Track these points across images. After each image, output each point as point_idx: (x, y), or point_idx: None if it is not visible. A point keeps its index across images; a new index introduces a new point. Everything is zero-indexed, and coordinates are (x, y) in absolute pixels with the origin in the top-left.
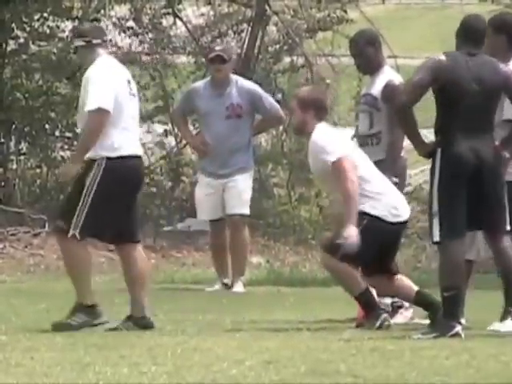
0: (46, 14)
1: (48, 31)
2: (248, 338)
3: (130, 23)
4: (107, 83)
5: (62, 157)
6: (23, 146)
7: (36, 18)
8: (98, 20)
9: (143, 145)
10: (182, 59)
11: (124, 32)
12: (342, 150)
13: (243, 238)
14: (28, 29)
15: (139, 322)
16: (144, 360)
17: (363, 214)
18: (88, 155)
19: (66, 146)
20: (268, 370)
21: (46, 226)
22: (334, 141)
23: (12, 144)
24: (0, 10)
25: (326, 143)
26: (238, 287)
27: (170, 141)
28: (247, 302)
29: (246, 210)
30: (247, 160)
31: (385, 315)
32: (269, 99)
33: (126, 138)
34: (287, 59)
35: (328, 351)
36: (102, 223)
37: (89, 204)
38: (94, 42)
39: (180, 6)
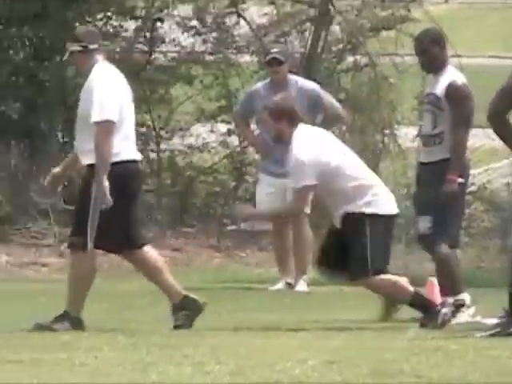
0: (109, 14)
1: (111, 30)
2: (311, 337)
3: (194, 22)
4: (111, 93)
5: None
6: None
7: (99, 17)
8: (161, 19)
9: (207, 144)
10: (246, 58)
11: (187, 31)
12: (311, 175)
13: (305, 236)
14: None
15: (185, 303)
16: (207, 359)
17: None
18: (89, 161)
19: None
20: (331, 369)
21: None
22: (310, 161)
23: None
24: (63, 10)
25: (301, 164)
26: (301, 286)
27: (234, 140)
28: (310, 302)
29: (307, 209)
30: None
31: (444, 310)
32: (329, 98)
33: (126, 143)
34: (350, 58)
35: (391, 351)
36: (113, 231)
37: (97, 216)
38: (91, 47)
39: (243, 6)
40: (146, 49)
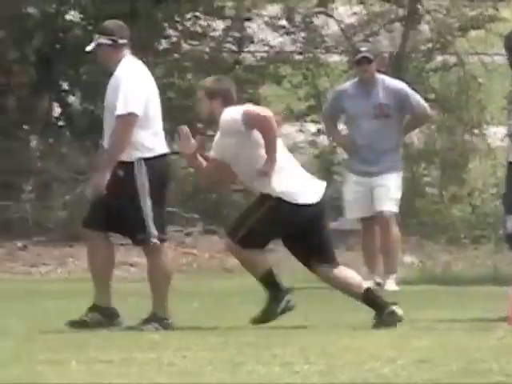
0: (198, 14)
1: (200, 30)
2: (400, 336)
3: (283, 22)
4: (138, 87)
5: None
6: (175, 145)
7: (188, 17)
8: (250, 19)
9: (296, 144)
10: (335, 58)
11: (276, 31)
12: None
13: (393, 235)
14: (180, 28)
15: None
16: (296, 359)
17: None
18: (122, 159)
19: None
20: (420, 368)
21: (199, 225)
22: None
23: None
24: (152, 10)
25: (232, 113)
26: (390, 286)
27: (323, 140)
28: (399, 301)
29: (395, 208)
30: (396, 159)
31: (288, 297)
32: (416, 97)
33: (157, 139)
34: (439, 58)
35: (480, 350)
36: (163, 221)
37: (150, 207)
38: (121, 41)
39: (332, 5)
40: (234, 48)
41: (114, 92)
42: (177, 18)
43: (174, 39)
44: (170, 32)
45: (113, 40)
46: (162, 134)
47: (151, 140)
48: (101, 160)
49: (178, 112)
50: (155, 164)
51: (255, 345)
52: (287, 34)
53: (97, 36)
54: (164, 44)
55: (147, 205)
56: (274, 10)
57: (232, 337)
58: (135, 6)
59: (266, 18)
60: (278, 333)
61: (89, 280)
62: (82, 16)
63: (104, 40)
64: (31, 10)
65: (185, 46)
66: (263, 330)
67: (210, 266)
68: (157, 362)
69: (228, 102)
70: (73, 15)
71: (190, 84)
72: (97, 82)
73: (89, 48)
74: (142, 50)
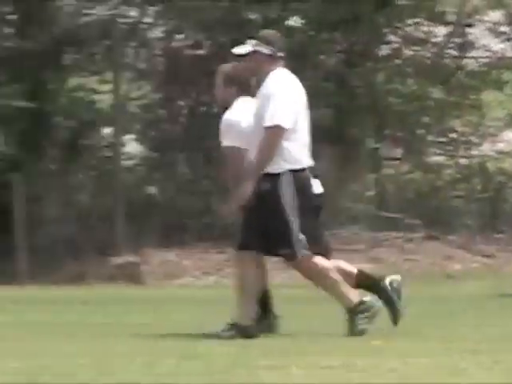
0: (419, 19)
1: (421, 36)
2: None
3: (505, 28)
4: (289, 101)
5: (436, 162)
6: (397, 151)
7: (409, 22)
8: (471, 25)
9: None
10: None
11: (498, 37)
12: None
13: None
14: (401, 33)
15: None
16: None
17: None
18: (269, 170)
19: (438, 151)
20: None
21: (420, 231)
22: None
23: (385, 149)
24: (374, 15)
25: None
26: None
27: None
28: None
29: None
30: None
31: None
32: None
33: (305, 150)
34: None
35: None
36: (305, 234)
37: (296, 220)
38: (279, 54)
39: None
40: (456, 54)
41: (263, 102)
42: (397, 24)
43: (395, 45)
44: (391, 38)
45: (272, 50)
46: (309, 146)
47: (300, 151)
48: (245, 171)
49: (400, 118)
50: (301, 176)
51: (477, 351)
52: (508, 40)
53: (254, 42)
54: (385, 50)
55: (293, 217)
56: (495, 15)
57: (455, 343)
58: (357, 11)
59: (488, 24)
60: (500, 338)
61: (307, 287)
62: (303, 21)
63: (263, 48)
64: (252, 15)
65: (406, 52)
66: (485, 336)
67: (431, 271)
68: (377, 368)
69: (243, 92)
70: (294, 20)
71: (411, 90)
72: (318, 88)
73: (240, 51)
74: (362, 55)
